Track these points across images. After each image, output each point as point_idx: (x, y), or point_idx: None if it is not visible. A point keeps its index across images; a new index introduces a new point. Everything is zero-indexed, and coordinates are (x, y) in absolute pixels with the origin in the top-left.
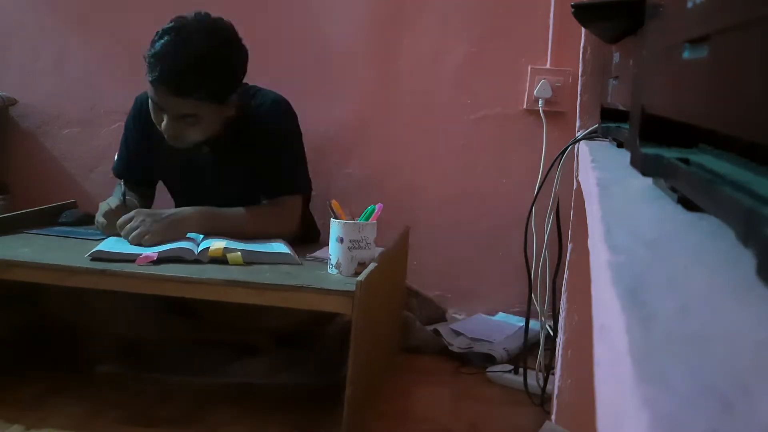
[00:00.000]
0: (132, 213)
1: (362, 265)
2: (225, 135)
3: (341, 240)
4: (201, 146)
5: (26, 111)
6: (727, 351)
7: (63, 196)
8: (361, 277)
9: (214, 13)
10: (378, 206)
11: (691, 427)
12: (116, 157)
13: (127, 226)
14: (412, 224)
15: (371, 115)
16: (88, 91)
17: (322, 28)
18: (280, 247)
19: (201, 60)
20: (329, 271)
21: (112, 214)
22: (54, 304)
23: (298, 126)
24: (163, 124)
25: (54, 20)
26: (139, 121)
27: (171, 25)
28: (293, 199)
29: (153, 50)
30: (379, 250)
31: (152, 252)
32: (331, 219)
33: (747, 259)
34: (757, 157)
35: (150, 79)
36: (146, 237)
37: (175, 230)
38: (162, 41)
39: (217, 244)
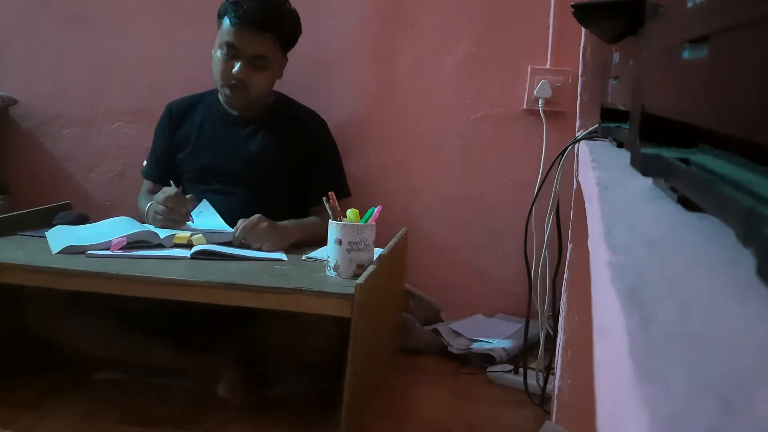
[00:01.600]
0: (255, 218)
1: (361, 267)
2: (269, 119)
3: (340, 242)
4: (247, 123)
5: (26, 111)
6: (727, 351)
7: (63, 197)
8: (360, 280)
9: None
10: (377, 208)
11: (691, 427)
12: (145, 162)
13: (253, 229)
14: (412, 224)
15: (371, 115)
16: (88, 91)
17: (321, 27)
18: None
19: (279, 4)
20: (327, 273)
21: (176, 201)
22: (30, 327)
23: None
24: (235, 69)
25: (54, 20)
26: (170, 122)
27: None
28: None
29: (232, 1)
30: (378, 251)
31: (121, 239)
32: (330, 220)
33: (747, 259)
34: (757, 157)
35: (233, 21)
36: (267, 243)
37: (286, 239)
38: None
39: (183, 234)
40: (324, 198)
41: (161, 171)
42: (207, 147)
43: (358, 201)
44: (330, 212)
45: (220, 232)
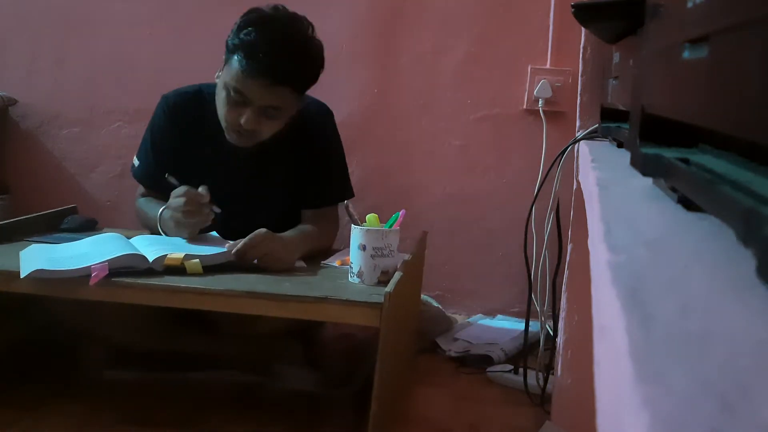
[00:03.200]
0: (260, 235)
1: (385, 273)
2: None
3: (363, 247)
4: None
5: (26, 111)
6: (727, 351)
7: (63, 197)
8: (388, 289)
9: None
10: (401, 212)
11: (691, 427)
12: (137, 160)
13: (258, 247)
14: (412, 224)
15: (371, 114)
16: (88, 91)
17: (321, 27)
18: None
19: (298, 48)
20: (350, 279)
21: (199, 198)
22: (56, 311)
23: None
24: (243, 118)
25: (54, 20)
26: (172, 120)
27: (255, 15)
28: (335, 209)
29: (245, 41)
30: (401, 257)
31: (102, 265)
32: (352, 226)
33: (747, 259)
34: (757, 157)
35: (244, 67)
36: (276, 262)
37: (293, 255)
38: (253, 31)
39: (175, 254)
40: (344, 206)
41: (157, 174)
42: (218, 177)
43: (358, 201)
44: (355, 218)
45: (216, 254)
